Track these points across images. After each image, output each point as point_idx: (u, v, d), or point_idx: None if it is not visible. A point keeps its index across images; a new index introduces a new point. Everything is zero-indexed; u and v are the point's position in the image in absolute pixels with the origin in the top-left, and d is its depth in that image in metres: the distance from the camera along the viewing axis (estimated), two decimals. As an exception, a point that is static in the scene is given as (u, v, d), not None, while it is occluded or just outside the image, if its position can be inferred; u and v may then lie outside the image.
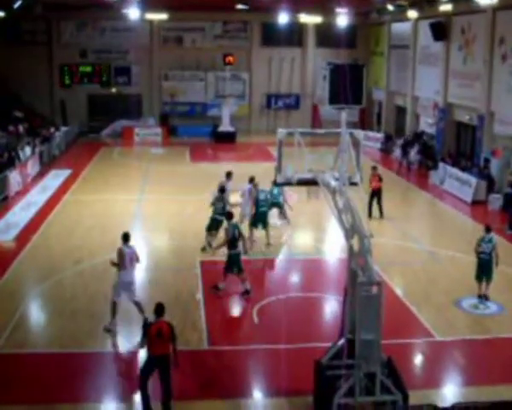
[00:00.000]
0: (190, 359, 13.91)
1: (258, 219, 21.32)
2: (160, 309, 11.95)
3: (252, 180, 22.14)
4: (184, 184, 31.36)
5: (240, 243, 17.30)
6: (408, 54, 41.82)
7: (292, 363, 13.82)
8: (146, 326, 11.91)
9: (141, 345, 12.11)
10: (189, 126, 48.18)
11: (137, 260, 15.48)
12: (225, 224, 17.79)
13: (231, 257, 17.18)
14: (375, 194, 24.80)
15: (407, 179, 33.79)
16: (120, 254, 15.18)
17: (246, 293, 17.24)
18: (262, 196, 21.50)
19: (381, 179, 25.14)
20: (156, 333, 11.66)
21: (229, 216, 17.73)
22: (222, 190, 20.99)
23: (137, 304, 15.37)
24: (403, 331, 15.58)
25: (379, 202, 24.86)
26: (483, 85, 31.39)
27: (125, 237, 15.35)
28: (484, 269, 17.12)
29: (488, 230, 17.24)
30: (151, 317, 12.27)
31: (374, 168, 25.68)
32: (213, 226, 20.68)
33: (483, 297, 17.10)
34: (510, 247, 21.60)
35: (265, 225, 21.38)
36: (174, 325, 11.98)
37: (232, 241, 17.08)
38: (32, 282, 18.60)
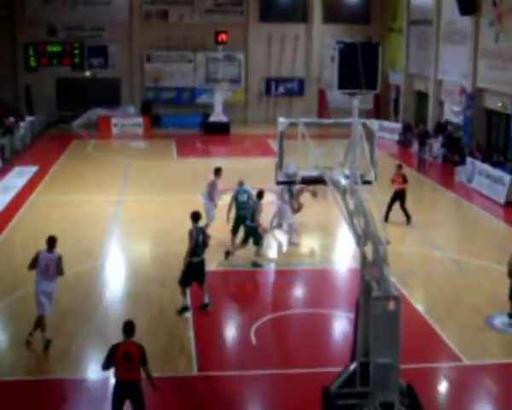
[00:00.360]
0: (177, 386, 13.92)
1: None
2: (128, 328, 11.83)
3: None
4: (170, 182, 31.39)
5: (205, 250, 17.28)
6: (430, 31, 41.90)
7: (296, 391, 13.82)
8: (111, 347, 11.77)
9: (102, 366, 11.90)
10: (176, 116, 48.25)
11: (60, 272, 15.32)
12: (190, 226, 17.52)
13: (192, 266, 17.04)
14: (398, 196, 24.70)
15: (429, 177, 33.83)
16: (36, 257, 15.26)
17: (205, 307, 17.25)
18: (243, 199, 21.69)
19: (405, 180, 24.98)
20: (123, 355, 11.53)
21: (195, 217, 17.42)
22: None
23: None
24: (425, 354, 15.58)
25: (402, 206, 24.73)
26: (518, 67, 31.48)
27: (50, 242, 15.35)
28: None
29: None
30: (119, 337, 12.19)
31: (399, 167, 25.52)
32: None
33: None
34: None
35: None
36: (145, 348, 11.81)
37: (195, 247, 16.98)
38: (-7, 297, 18.58)
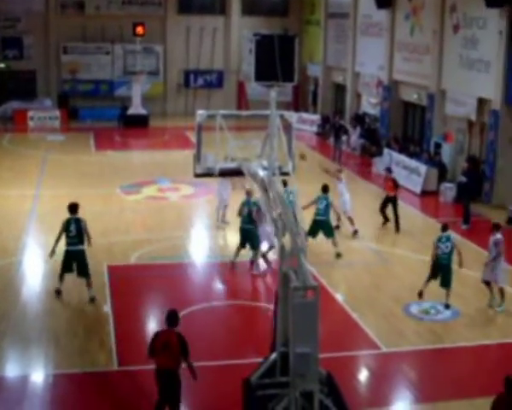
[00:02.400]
0: (97, 381, 13.81)
1: None
2: (171, 318, 12.06)
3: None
4: (89, 176, 31.01)
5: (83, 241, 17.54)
6: (348, 23, 42.33)
7: (216, 382, 13.84)
8: (154, 334, 12.07)
9: (148, 353, 12.10)
10: (94, 109, 47.64)
11: None
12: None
13: (68, 254, 17.52)
14: (389, 201, 24.19)
15: (347, 168, 34.18)
16: None
17: (92, 300, 17.48)
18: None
19: (396, 185, 24.43)
20: (163, 345, 11.79)
21: (72, 208, 17.96)
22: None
23: None
24: (344, 343, 15.81)
25: (395, 212, 24.12)
26: (433, 60, 32.07)
27: None
28: (442, 273, 17.44)
29: (445, 228, 17.60)
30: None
31: (387, 170, 25.50)
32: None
33: (444, 306, 17.48)
34: (466, 244, 22.13)
35: None
36: (185, 338, 12.00)
37: (67, 237, 17.44)
38: None
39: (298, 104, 48.28)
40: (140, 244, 21.63)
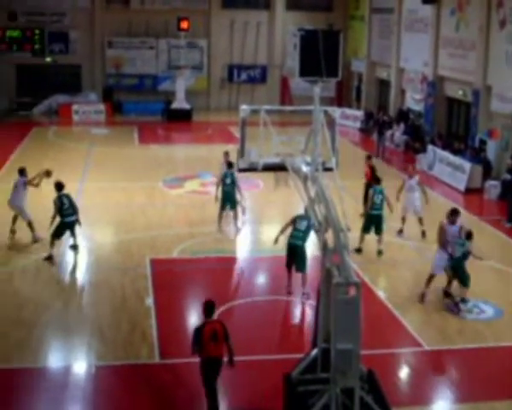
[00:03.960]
0: (139, 374, 13.91)
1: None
2: (210, 308, 12.32)
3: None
4: (132, 169, 31.24)
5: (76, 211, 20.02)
6: (392, 19, 42.08)
7: (257, 378, 13.87)
8: (197, 329, 12.19)
9: (193, 350, 12.25)
10: (138, 103, 47.99)
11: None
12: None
13: (65, 224, 19.79)
14: (368, 187, 24.48)
15: (390, 164, 34.00)
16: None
17: (74, 247, 20.22)
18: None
19: (373, 171, 24.50)
20: (211, 334, 12.02)
21: (58, 187, 20.04)
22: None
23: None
24: (386, 340, 15.73)
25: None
26: (478, 56, 31.73)
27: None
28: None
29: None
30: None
31: (367, 157, 25.32)
32: None
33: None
34: (509, 242, 21.87)
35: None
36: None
37: (61, 210, 19.61)
38: (-48, 286, 18.39)
39: (341, 100, 48.10)
40: (182, 238, 21.72)
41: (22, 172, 21.95)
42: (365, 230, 20.73)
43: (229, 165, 22.21)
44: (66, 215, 19.72)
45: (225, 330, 12.20)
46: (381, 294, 18.10)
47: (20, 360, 14.39)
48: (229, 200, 22.17)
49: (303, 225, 17.43)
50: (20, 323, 15.94)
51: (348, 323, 10.92)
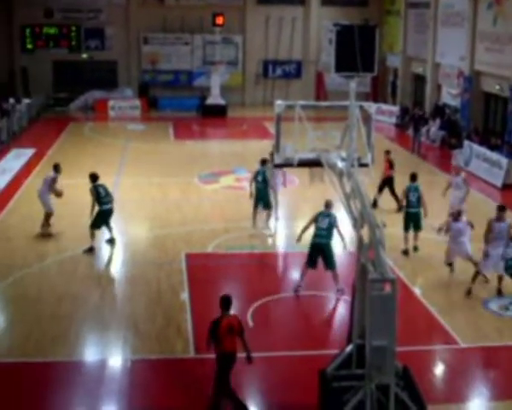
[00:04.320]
0: (174, 368, 13.98)
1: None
2: (227, 302, 12.46)
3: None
4: (167, 165, 31.38)
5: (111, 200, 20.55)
6: (428, 13, 41.78)
7: (292, 373, 13.88)
8: (214, 323, 12.36)
9: (209, 344, 12.46)
10: (173, 98, 48.18)
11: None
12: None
13: (103, 212, 20.29)
14: (386, 182, 24.50)
15: (426, 160, 33.80)
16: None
17: (111, 241, 20.67)
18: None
19: (392, 166, 24.71)
20: (228, 329, 12.13)
21: (93, 178, 20.55)
22: None
23: None
24: (421, 336, 15.66)
25: (392, 192, 24.52)
26: (516, 50, 31.43)
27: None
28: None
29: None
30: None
31: (386, 152, 25.15)
32: None
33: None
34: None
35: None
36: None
37: (98, 199, 20.13)
38: (-10, 280, 18.62)
39: (377, 95, 47.87)
40: (217, 233, 21.78)
41: (56, 167, 22.30)
42: (406, 229, 20.48)
43: (263, 162, 22.16)
44: (105, 203, 20.21)
45: (241, 325, 12.31)
46: (416, 290, 18.00)
47: (57, 353, 14.53)
48: (261, 198, 22.02)
49: (325, 222, 17.33)
50: (56, 317, 16.10)
51: (383, 319, 10.89)
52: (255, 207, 22.17)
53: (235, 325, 12.19)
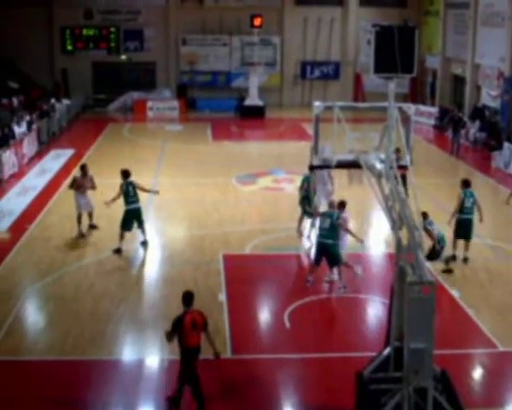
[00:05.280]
0: (211, 368, 13.99)
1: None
2: (190, 298, 12.48)
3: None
4: (205, 165, 31.47)
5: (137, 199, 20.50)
6: (468, 13, 41.43)
7: (329, 375, 13.85)
8: (177, 319, 12.33)
9: (171, 339, 12.48)
10: (211, 99, 48.36)
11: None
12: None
13: (130, 212, 20.25)
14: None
15: (465, 162, 33.52)
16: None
17: (144, 243, 20.66)
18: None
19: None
20: (192, 324, 12.19)
21: (125, 174, 20.67)
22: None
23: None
24: (459, 340, 15.51)
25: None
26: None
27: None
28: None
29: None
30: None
31: (396, 150, 24.57)
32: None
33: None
34: None
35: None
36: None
37: (126, 197, 20.23)
38: (29, 279, 18.79)
39: (415, 96, 47.60)
40: (255, 234, 21.79)
41: (83, 168, 22.50)
42: (457, 236, 19.79)
43: (311, 168, 21.66)
44: (131, 202, 20.25)
45: (205, 320, 12.41)
46: (454, 293, 17.84)
47: (95, 352, 14.63)
48: (308, 204, 21.57)
49: (327, 222, 17.53)
50: (95, 316, 16.21)
51: (422, 322, 10.84)
52: (302, 214, 21.86)
53: (198, 321, 12.28)
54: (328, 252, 17.62)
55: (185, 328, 12.17)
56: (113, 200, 20.29)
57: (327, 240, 17.50)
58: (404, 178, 23.61)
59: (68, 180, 28.03)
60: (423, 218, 16.73)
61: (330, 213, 17.72)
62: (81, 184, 21.87)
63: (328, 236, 17.48)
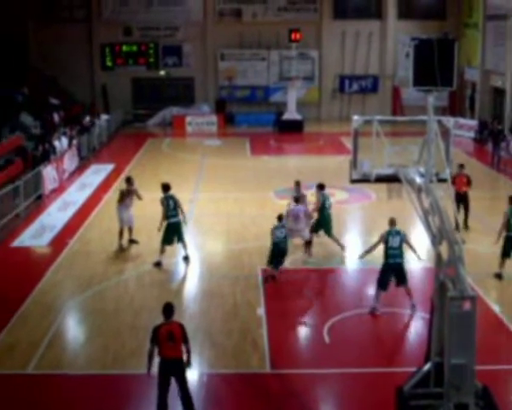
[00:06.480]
0: (250, 383, 13.97)
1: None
2: (168, 310, 12.57)
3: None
4: (244, 180, 31.51)
5: (178, 212, 20.45)
6: (508, 25, 41.09)
7: (369, 390, 13.74)
8: (153, 330, 12.50)
9: (149, 349, 12.56)
10: (249, 114, 48.49)
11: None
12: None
13: (171, 226, 20.27)
14: (460, 199, 23.24)
15: (506, 175, 33.16)
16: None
17: (185, 258, 20.63)
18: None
19: (469, 182, 23.57)
20: (167, 335, 12.27)
21: (165, 188, 20.67)
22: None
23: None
24: (501, 355, 15.32)
25: (466, 211, 23.42)
26: None
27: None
28: None
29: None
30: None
31: (460, 166, 23.89)
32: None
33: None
34: None
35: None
36: (184, 325, 12.59)
37: (167, 211, 20.23)
38: (69, 293, 18.93)
39: (454, 109, 47.27)
40: (293, 249, 21.71)
41: (128, 180, 22.83)
42: (505, 254, 19.17)
43: (321, 187, 21.59)
44: (171, 216, 20.24)
45: (184, 331, 12.41)
46: (495, 308, 17.63)
47: (135, 366, 14.65)
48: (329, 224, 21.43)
49: (396, 241, 16.98)
50: (134, 329, 16.28)
51: (463, 337, 10.71)
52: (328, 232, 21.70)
53: (176, 333, 12.29)
54: (400, 270, 17.08)
55: (160, 339, 12.30)
56: (162, 219, 20.25)
57: (398, 259, 16.98)
58: (465, 196, 23.45)
59: (109, 195, 28.37)
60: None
61: (397, 231, 17.11)
62: (128, 193, 22.19)
63: (399, 255, 16.97)
